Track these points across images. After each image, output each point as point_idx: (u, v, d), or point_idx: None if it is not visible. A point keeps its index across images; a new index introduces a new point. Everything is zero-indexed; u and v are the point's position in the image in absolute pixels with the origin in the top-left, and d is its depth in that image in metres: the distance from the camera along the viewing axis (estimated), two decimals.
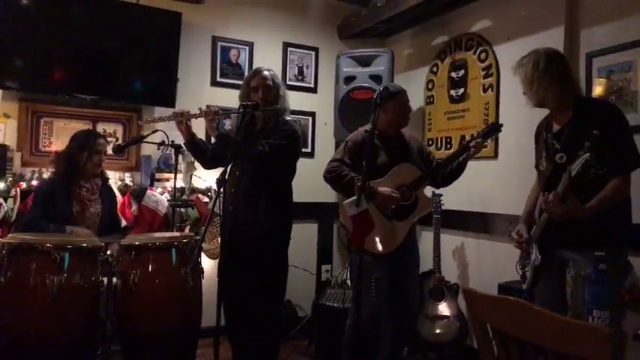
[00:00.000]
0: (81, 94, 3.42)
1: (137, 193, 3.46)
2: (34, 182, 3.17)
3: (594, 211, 1.92)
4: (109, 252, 2.55)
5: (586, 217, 1.92)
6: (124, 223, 3.42)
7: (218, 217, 3.27)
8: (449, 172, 2.79)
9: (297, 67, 4.35)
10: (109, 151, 3.24)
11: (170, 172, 3.61)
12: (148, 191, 3.51)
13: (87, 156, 2.88)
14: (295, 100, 4.00)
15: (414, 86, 4.05)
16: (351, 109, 3.84)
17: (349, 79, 3.90)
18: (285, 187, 2.73)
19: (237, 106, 2.56)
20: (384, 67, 3.85)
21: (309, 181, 3.85)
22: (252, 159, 2.55)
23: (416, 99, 4.02)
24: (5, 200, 3.07)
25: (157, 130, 3.04)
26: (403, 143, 2.82)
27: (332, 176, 2.67)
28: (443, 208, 3.47)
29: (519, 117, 3.14)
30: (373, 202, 2.56)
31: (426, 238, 3.67)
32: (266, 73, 2.70)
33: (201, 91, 3.92)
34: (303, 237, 4.14)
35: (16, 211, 3.06)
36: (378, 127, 2.75)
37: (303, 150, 4.15)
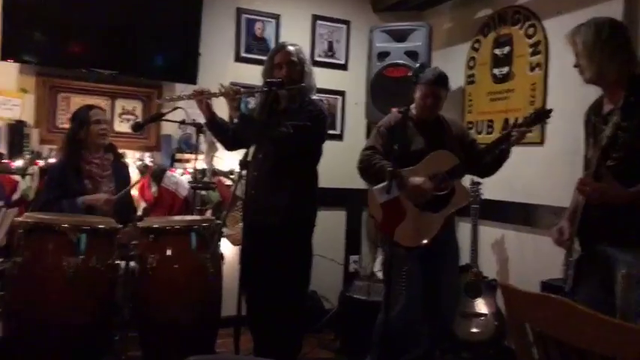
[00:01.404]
0: (99, 68, 3.48)
1: (157, 174, 3.52)
2: (52, 160, 3.26)
3: (635, 197, 1.83)
4: (124, 231, 2.62)
5: (625, 201, 1.84)
6: (143, 204, 3.50)
7: (241, 202, 3.31)
8: (490, 160, 2.74)
9: (326, 42, 4.31)
10: (128, 129, 3.29)
11: (191, 153, 3.66)
12: (168, 172, 3.57)
13: (86, 129, 2.94)
14: (324, 78, 4.02)
15: (454, 64, 3.98)
16: (385, 88, 3.81)
17: (383, 55, 3.86)
18: (310, 172, 2.74)
19: (261, 85, 2.57)
20: (421, 43, 3.80)
21: (337, 166, 3.84)
22: (274, 141, 2.56)
23: (455, 78, 3.94)
24: (23, 177, 3.17)
25: (177, 108, 3.07)
26: (441, 128, 2.78)
27: (363, 166, 2.66)
28: (482, 197, 3.43)
29: (569, 99, 3.05)
30: (404, 192, 2.54)
31: (462, 230, 3.63)
32: (290, 48, 2.69)
33: (224, 67, 3.94)
34: (330, 225, 4.15)
35: (34, 189, 3.15)
36: (414, 110, 2.72)
37: (332, 132, 4.15)
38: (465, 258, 3.37)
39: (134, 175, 3.38)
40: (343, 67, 4.37)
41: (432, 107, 2.71)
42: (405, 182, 2.55)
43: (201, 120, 2.89)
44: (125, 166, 3.22)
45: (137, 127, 3.06)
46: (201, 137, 3.24)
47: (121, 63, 3.53)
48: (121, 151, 3.28)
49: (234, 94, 2.58)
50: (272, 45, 4.00)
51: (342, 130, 4.36)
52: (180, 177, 3.60)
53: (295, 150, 2.61)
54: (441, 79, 2.70)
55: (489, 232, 3.63)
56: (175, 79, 3.72)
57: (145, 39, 3.58)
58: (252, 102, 3.78)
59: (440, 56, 4.03)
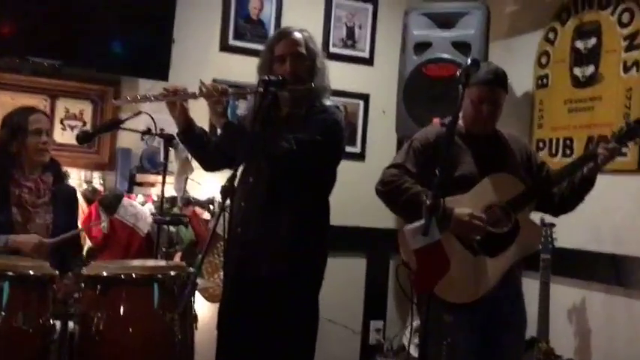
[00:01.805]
0: (36, 56, 3.54)
1: (109, 203, 3.55)
2: None
3: None
4: (64, 282, 2.62)
5: None
6: (88, 244, 3.52)
7: (222, 242, 3.30)
8: (566, 191, 2.73)
9: (345, 28, 4.37)
10: (72, 140, 3.33)
11: (157, 174, 3.68)
12: (125, 200, 3.59)
13: (21, 141, 2.95)
14: (341, 76, 4.05)
15: (519, 60, 4.01)
16: (423, 92, 3.84)
17: (422, 46, 3.90)
18: (318, 203, 2.74)
19: (256, 83, 2.59)
20: (474, 31, 3.83)
21: (355, 196, 3.84)
22: (271, 161, 2.57)
23: (520, 79, 3.97)
24: None
25: (140, 113, 3.11)
26: (499, 147, 2.78)
27: (388, 190, 2.66)
28: (555, 244, 3.41)
29: None
30: (448, 229, 2.54)
31: (528, 290, 3.58)
32: (297, 35, 2.72)
33: (205, 59, 4.00)
34: (345, 278, 4.15)
35: None
36: (462, 121, 2.73)
37: (350, 149, 4.18)
38: (531, 329, 3.33)
39: (80, 203, 3.42)
40: (367, 61, 4.42)
41: (488, 117, 2.71)
42: (449, 213, 2.55)
43: (173, 129, 2.92)
44: (70, 191, 3.25)
45: (85, 138, 3.10)
46: (172, 153, 3.26)
47: (65, 50, 3.59)
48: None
49: (219, 95, 2.60)
50: (272, 30, 4.07)
51: (363, 147, 4.39)
52: (141, 207, 3.62)
53: (299, 173, 2.62)
54: (501, 79, 2.71)
55: (565, 294, 3.59)
56: (139, 73, 3.78)
57: (98, 19, 3.65)
58: (242, 107, 3.82)
59: (500, 49, 4.06)
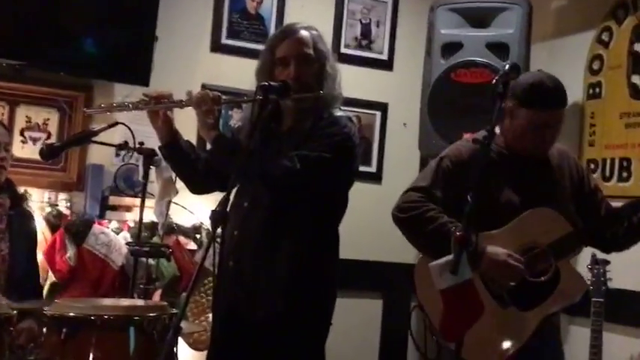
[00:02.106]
0: None
1: (76, 230, 3.57)
2: None
3: None
4: (23, 326, 2.63)
5: None
6: (51, 278, 3.53)
7: (211, 279, 3.31)
8: (624, 228, 2.71)
9: (360, 25, 4.41)
10: (34, 154, 3.35)
11: (134, 196, 3.71)
12: (95, 227, 3.61)
13: None
14: (354, 82, 4.06)
15: (567, 65, 4.02)
16: (452, 101, 3.86)
17: (451, 48, 3.93)
18: (326, 233, 2.74)
19: (254, 90, 2.61)
20: (513, 30, 3.85)
21: (370, 224, 3.85)
22: (270, 181, 2.58)
23: (568, 88, 3.86)
24: None
25: (115, 124, 3.12)
26: (547, 170, 2.79)
27: (408, 218, 2.67)
28: (610, 285, 3.39)
29: None
30: (476, 270, 2.53)
31: (576, 339, 3.58)
32: (304, 34, 2.74)
33: (194, 60, 4.04)
34: (357, 323, 4.14)
35: None
36: (500, 138, 2.74)
37: (364, 169, 4.20)
38: None
39: (43, 230, 3.45)
40: (386, 65, 4.46)
41: (550, 141, 2.73)
42: (480, 252, 2.55)
43: (155, 143, 2.94)
44: (28, 217, 3.27)
45: (50, 153, 3.11)
46: (153, 171, 3.28)
47: (29, 49, 3.63)
48: (21, 189, 3.35)
49: (210, 103, 2.62)
50: (273, 27, 4.11)
51: (380, 167, 4.41)
52: (115, 235, 3.64)
53: (302, 197, 2.63)
54: (563, 96, 2.70)
55: (621, 344, 3.58)
56: (115, 77, 3.82)
57: (67, 12, 3.70)
58: (237, 117, 3.85)
59: (543, 52, 4.08)
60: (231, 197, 2.42)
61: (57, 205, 3.68)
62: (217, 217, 2.14)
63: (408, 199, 2.71)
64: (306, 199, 2.64)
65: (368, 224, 3.71)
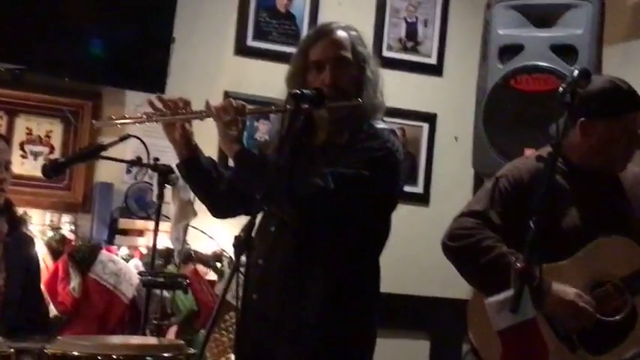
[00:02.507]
0: None
1: (82, 257, 3.57)
2: None
3: None
4: None
5: None
6: (53, 311, 3.52)
7: (233, 313, 3.29)
8: None
9: (405, 25, 4.39)
10: (36, 171, 3.36)
11: (147, 219, 3.71)
12: (103, 253, 3.61)
13: None
14: (398, 90, 4.04)
15: None
16: (511, 112, 3.83)
17: (510, 50, 3.91)
18: (364, 264, 2.71)
19: (284, 99, 2.60)
20: (582, 30, 3.82)
21: (416, 254, 3.81)
22: (299, 203, 2.55)
23: None
24: None
25: (127, 137, 3.13)
26: (619, 192, 2.76)
27: (461, 247, 2.65)
28: None
29: None
30: (539, 309, 2.49)
31: None
32: (341, 34, 2.72)
33: (216, 65, 4.06)
34: None
35: None
36: (566, 154, 2.70)
37: (409, 189, 4.16)
38: None
39: (44, 257, 3.45)
40: (435, 70, 4.44)
41: (630, 155, 2.71)
42: (544, 288, 2.51)
43: (171, 159, 2.94)
44: (27, 242, 3.28)
45: (53, 169, 3.12)
46: (169, 191, 3.28)
47: (27, 51, 3.66)
48: (19, 211, 3.36)
49: (234, 114, 2.61)
50: (305, 27, 4.12)
51: (427, 187, 4.39)
52: (125, 263, 3.64)
53: (337, 221, 2.61)
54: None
55: None
56: (127, 83, 3.85)
57: (73, 10, 3.72)
58: (264, 129, 3.84)
59: (617, 55, 4.03)
60: (257, 221, 2.40)
61: (60, 229, 3.69)
62: (241, 243, 2.12)
63: (460, 226, 2.69)
64: (341, 224, 2.60)
65: (413, 253, 3.67)
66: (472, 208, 2.73)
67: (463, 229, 2.67)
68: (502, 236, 2.61)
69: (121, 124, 2.90)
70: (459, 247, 2.66)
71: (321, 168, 2.56)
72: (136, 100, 3.72)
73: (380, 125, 2.73)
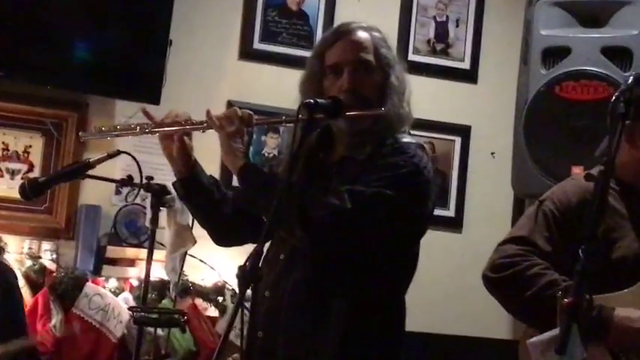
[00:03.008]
0: None
1: (64, 290, 3.58)
2: None
3: None
4: None
5: None
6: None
7: (237, 355, 3.30)
8: None
9: (434, 24, 4.41)
10: (13, 192, 3.37)
11: (139, 246, 3.73)
12: (89, 286, 3.62)
13: None
14: (426, 99, 4.07)
15: None
16: (557, 124, 3.82)
17: (555, 53, 3.91)
18: (387, 298, 2.71)
19: (296, 108, 2.61)
20: (637, 31, 3.81)
21: (449, 286, 3.81)
22: (311, 224, 2.53)
23: None
24: None
25: (117, 153, 3.13)
26: None
27: (505, 277, 2.64)
28: None
29: None
30: (603, 343, 2.49)
31: None
32: (362, 35, 2.72)
33: (218, 70, 4.08)
34: None
35: None
36: (618, 172, 2.71)
37: (438, 212, 4.13)
38: None
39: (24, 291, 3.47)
40: (468, 75, 4.46)
41: None
42: (607, 319, 2.51)
43: (166, 178, 2.96)
44: (6, 273, 3.31)
45: (33, 190, 3.13)
46: (163, 214, 3.29)
47: (6, 57, 3.69)
48: None
49: (239, 124, 2.62)
50: (320, 28, 4.14)
51: (460, 210, 4.39)
52: (113, 297, 3.64)
53: (355, 247, 2.61)
54: None
55: None
56: (117, 92, 3.87)
57: (57, 10, 3.76)
58: (274, 144, 3.86)
59: None
60: (266, 249, 2.40)
61: (40, 258, 3.70)
62: (246, 274, 2.10)
63: (503, 254, 2.67)
64: (360, 250, 2.60)
65: (446, 286, 3.66)
66: (517, 234, 2.71)
67: (506, 257, 2.66)
68: (550, 265, 2.61)
69: (111, 136, 2.92)
70: (502, 278, 2.64)
71: (338, 186, 2.56)
72: (127, 111, 3.72)
73: (406, 139, 2.71)
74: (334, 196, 2.51)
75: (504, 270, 2.66)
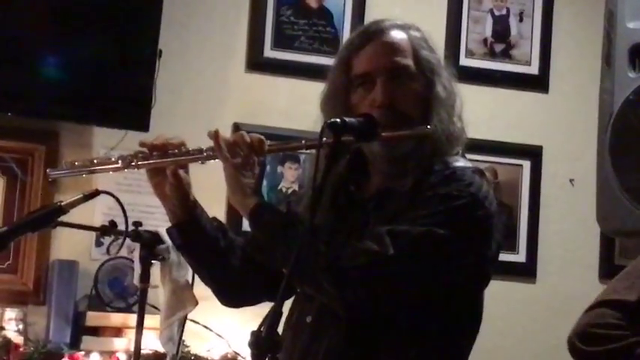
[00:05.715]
0: None
1: None
2: None
3: None
4: None
5: None
6: None
7: None
8: None
9: (491, 20, 4.42)
10: None
11: (127, 311, 3.75)
12: None
13: None
14: (483, 113, 4.14)
15: None
16: None
17: None
18: None
19: (318, 131, 2.60)
20: None
21: (520, 348, 3.79)
22: (344, 279, 2.51)
23: None
24: None
25: (96, 193, 3.15)
26: None
27: (602, 352, 2.63)
28: None
29: None
30: None
31: None
32: (397, 35, 2.75)
33: (221, 85, 4.13)
34: None
35: None
36: None
37: (506, 256, 4.18)
38: None
39: None
40: (537, 83, 4.48)
41: None
42: None
43: (159, 223, 2.96)
44: None
45: None
46: (156, 269, 3.29)
47: None
48: None
49: (248, 152, 2.62)
50: (347, 29, 4.17)
51: (532, 254, 4.38)
52: None
53: (402, 302, 2.59)
54: None
55: None
56: (94, 118, 3.94)
57: (19, 23, 3.82)
58: (294, 176, 3.86)
59: None
60: (286, 310, 2.38)
61: (3, 329, 3.71)
62: (262, 342, 2.11)
63: (598, 321, 2.66)
64: (406, 309, 2.60)
65: (517, 347, 3.63)
66: (615, 297, 2.69)
67: (603, 327, 2.64)
68: None
69: (87, 172, 2.91)
70: (597, 353, 2.64)
71: (376, 226, 2.55)
72: (108, 141, 3.75)
73: (460, 163, 2.72)
74: (371, 240, 2.50)
75: (599, 343, 2.65)
